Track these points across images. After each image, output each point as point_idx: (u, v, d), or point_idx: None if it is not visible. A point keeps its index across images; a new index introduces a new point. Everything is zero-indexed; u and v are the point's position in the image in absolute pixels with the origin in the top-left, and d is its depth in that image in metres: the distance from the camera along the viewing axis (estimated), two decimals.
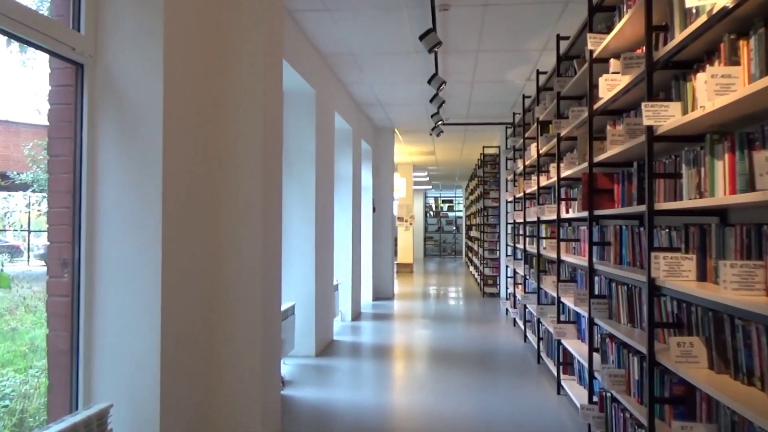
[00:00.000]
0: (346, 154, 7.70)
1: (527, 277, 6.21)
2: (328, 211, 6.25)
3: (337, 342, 6.34)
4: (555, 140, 4.56)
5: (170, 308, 2.70)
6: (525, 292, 6.40)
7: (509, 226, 8.44)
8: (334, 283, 7.25)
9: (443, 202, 25.35)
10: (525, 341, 6.35)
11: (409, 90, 7.20)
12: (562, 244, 4.61)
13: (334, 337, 6.56)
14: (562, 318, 4.56)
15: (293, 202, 5.57)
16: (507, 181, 8.43)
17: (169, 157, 2.70)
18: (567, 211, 4.55)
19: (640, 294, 2.96)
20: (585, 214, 3.62)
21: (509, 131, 8.51)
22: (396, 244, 16.27)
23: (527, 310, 6.34)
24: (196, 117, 3.03)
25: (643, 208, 2.69)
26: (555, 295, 4.60)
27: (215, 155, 3.22)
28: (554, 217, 4.71)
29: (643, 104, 2.40)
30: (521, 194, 6.76)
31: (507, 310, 8.27)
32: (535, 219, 5.62)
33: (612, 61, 3.29)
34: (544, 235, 5.51)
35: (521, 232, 7.25)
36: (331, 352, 5.83)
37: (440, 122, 7.51)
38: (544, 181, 5.33)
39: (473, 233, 14.40)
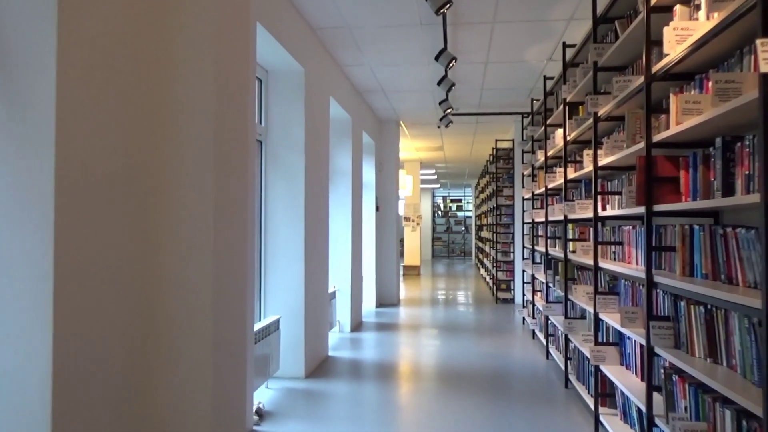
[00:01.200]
0: (345, 146, 6.92)
1: (550, 284, 5.40)
2: (322, 209, 5.47)
3: (333, 359, 5.56)
4: (590, 122, 3.76)
5: (67, 332, 1.93)
6: (547, 301, 5.59)
7: (526, 227, 7.62)
8: (331, 290, 6.47)
9: (452, 201, 24.52)
10: (548, 358, 5.54)
11: (414, 74, 6.41)
12: (599, 248, 3.80)
13: (330, 353, 5.78)
14: (596, 336, 3.75)
15: (278, 198, 4.79)
16: (523, 176, 7.62)
17: (67, 135, 1.92)
18: (604, 208, 3.75)
19: (727, 320, 2.15)
20: (636, 210, 2.82)
21: (526, 121, 7.70)
22: (402, 246, 15.49)
23: (550, 322, 5.53)
24: (115, 86, 2.25)
25: (729, 201, 1.90)
26: (590, 309, 3.79)
27: (147, 136, 2.45)
28: (589, 214, 3.91)
29: (758, 41, 1.60)
30: (542, 190, 5.95)
31: (524, 319, 7.46)
32: (561, 218, 4.82)
33: (678, 8, 2.49)
34: (571, 237, 4.70)
35: (540, 232, 6.44)
36: (324, 372, 5.05)
37: (449, 110, 6.71)
38: (572, 174, 4.52)
39: (484, 234, 13.58)
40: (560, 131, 4.88)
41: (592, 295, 3.78)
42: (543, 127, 5.75)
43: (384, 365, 5.35)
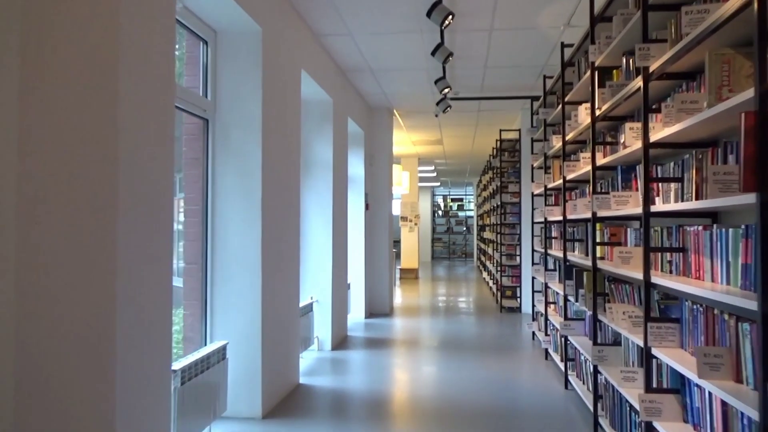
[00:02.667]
0: (325, 133, 5.92)
1: (570, 297, 4.39)
2: (290, 206, 4.47)
3: (304, 389, 4.56)
4: (635, 84, 2.76)
5: None
6: (565, 318, 4.58)
7: (537, 227, 6.61)
8: (306, 302, 5.47)
9: (452, 200, 23.51)
10: (566, 388, 4.53)
11: (405, 47, 5.41)
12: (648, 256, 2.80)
13: (301, 380, 4.77)
14: (647, 379, 2.74)
15: (229, 193, 3.79)
16: (533, 169, 6.61)
17: None
18: (653, 202, 2.75)
19: None
20: (718, 202, 1.82)
21: (536, 105, 6.69)
22: (399, 247, 14.49)
23: (569, 343, 4.53)
24: None
25: None
26: (635, 339, 2.78)
27: None
28: (632, 210, 2.91)
29: None
30: (557, 182, 4.94)
31: (534, 334, 6.45)
32: (587, 215, 3.82)
33: None
34: (600, 240, 3.69)
35: (555, 234, 5.43)
36: (289, 409, 4.05)
37: (446, 90, 5.71)
38: (603, 159, 3.52)
39: (486, 234, 12.57)
40: (584, 107, 3.87)
41: (639, 321, 2.78)
42: (560, 106, 4.74)
43: (367, 398, 4.34)
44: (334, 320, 6.01)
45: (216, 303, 3.78)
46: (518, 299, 8.58)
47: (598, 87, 3.46)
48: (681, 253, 2.54)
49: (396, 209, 21.81)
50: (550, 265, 5.60)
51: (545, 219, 5.57)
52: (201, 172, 3.80)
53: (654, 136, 2.55)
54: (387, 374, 5.04)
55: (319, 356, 5.63)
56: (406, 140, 11.18)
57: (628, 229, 3.39)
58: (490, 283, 11.26)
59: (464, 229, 22.97)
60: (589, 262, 3.77)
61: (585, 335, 4.37)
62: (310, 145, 5.89)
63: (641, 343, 2.68)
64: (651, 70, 2.55)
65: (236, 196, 3.78)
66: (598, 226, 3.81)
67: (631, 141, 2.85)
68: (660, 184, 2.73)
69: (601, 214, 3.46)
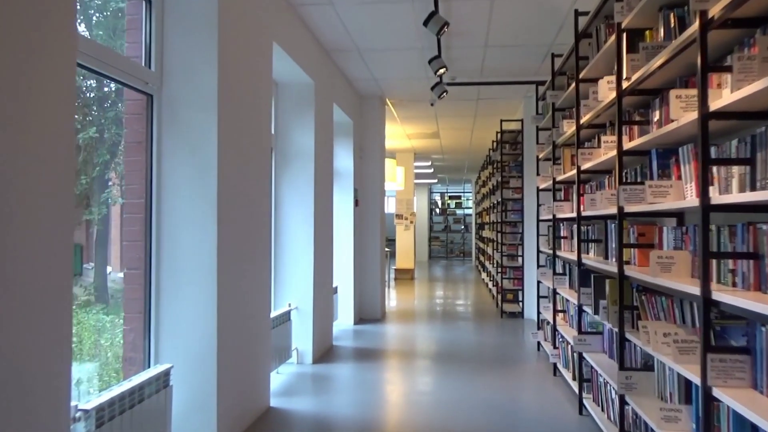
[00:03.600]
0: (304, 119, 5.26)
1: (586, 308, 3.75)
2: (256, 199, 3.82)
3: (274, 414, 3.91)
4: (689, 36, 2.11)
5: None
6: (579, 331, 3.93)
7: (543, 225, 5.97)
8: (283, 310, 4.83)
9: (450, 198, 22.87)
10: (581, 413, 3.89)
11: (395, 20, 4.76)
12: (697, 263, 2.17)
13: (273, 402, 4.13)
14: (707, 427, 2.10)
15: (177, 180, 3.14)
16: (538, 161, 5.97)
17: None
18: (704, 193, 2.11)
19: None
20: None
21: (542, 91, 6.04)
22: (394, 246, 13.86)
23: (584, 360, 3.89)
24: None
25: None
26: (684, 372, 2.14)
27: None
28: (677, 203, 2.27)
29: None
30: (569, 174, 4.30)
31: (539, 344, 5.81)
32: (610, 211, 3.17)
33: None
34: (630, 241, 3.05)
35: (565, 233, 4.80)
36: None
37: (442, 71, 5.05)
38: (632, 142, 2.88)
39: (486, 233, 11.93)
40: (606, 81, 3.22)
41: (689, 347, 2.14)
42: (573, 86, 4.09)
43: (349, 425, 3.69)
44: (317, 329, 5.36)
45: (163, 316, 3.13)
46: (520, 303, 7.93)
47: (627, 53, 2.81)
48: (751, 260, 1.90)
49: (391, 207, 21.18)
50: (559, 269, 4.96)
51: (553, 216, 4.92)
52: (144, 159, 3.14)
53: (716, 104, 1.91)
54: (374, 394, 4.39)
55: (298, 371, 4.98)
56: (400, 133, 10.53)
57: (664, 228, 2.75)
58: (490, 284, 10.63)
59: (462, 227, 22.34)
60: (611, 268, 3.13)
61: (603, 352, 3.73)
62: (287, 132, 5.24)
63: (695, 379, 2.04)
64: (712, 15, 1.91)
65: (187, 188, 3.13)
66: (623, 224, 3.17)
67: (678, 113, 2.20)
68: (717, 170, 2.08)
69: (630, 209, 2.82)
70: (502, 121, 8.04)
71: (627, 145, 2.90)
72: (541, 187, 5.70)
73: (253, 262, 3.70)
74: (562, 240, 4.95)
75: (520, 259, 8.01)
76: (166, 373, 2.85)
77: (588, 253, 4.04)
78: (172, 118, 3.14)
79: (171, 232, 3.12)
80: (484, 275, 12.69)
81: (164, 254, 3.12)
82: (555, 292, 4.89)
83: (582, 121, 3.82)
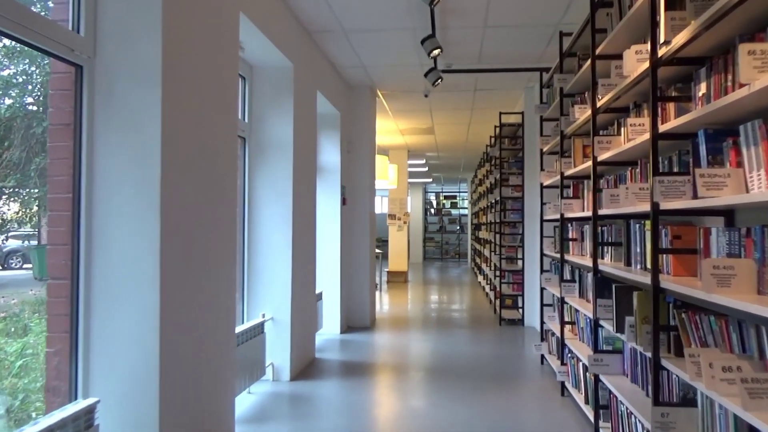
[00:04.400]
0: (282, 106, 4.69)
1: (603, 323, 3.19)
2: (217, 193, 3.25)
3: None
4: None
5: None
6: (596, 349, 3.38)
7: (547, 226, 5.42)
8: (255, 322, 4.26)
9: (445, 198, 22.33)
10: None
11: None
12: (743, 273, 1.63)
13: (240, 429, 3.56)
14: None
15: (114, 170, 2.57)
16: (542, 155, 5.42)
17: None
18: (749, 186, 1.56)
19: None
20: None
21: (546, 79, 5.49)
22: (386, 248, 13.32)
23: (601, 383, 3.33)
24: None
25: None
26: (757, 423, 1.59)
27: None
28: (738, 197, 1.72)
29: None
30: (583, 167, 3.75)
31: (543, 358, 5.26)
32: (638, 209, 2.62)
33: None
34: (663, 245, 2.49)
35: (573, 234, 4.26)
36: None
37: (437, 53, 4.50)
38: (668, 124, 2.32)
39: (482, 234, 11.39)
40: (634, 51, 2.66)
41: (762, 390, 1.59)
42: (588, 63, 3.54)
43: None
44: (295, 341, 4.79)
45: (94, 336, 2.56)
46: (520, 310, 7.39)
47: (666, 10, 2.25)
48: None
49: (383, 207, 20.62)
50: (567, 275, 4.41)
51: (561, 216, 4.37)
52: (72, 144, 2.57)
53: None
54: (359, 419, 3.83)
55: (273, 390, 4.41)
56: (392, 128, 9.98)
57: (712, 230, 2.20)
58: (487, 288, 10.08)
59: (458, 228, 21.81)
60: (638, 277, 2.58)
61: (624, 374, 3.18)
62: (263, 121, 4.67)
63: None
64: None
65: (124, 180, 2.56)
66: (647, 224, 2.63)
67: (750, 75, 1.64)
68: None
69: (667, 205, 2.27)
70: (501, 113, 7.49)
71: (663, 127, 2.35)
72: (546, 183, 5.15)
73: (214, 270, 3.13)
74: (571, 242, 4.40)
75: (520, 262, 7.47)
76: (90, 410, 2.28)
77: (602, 258, 3.49)
78: (106, 94, 2.57)
79: (104, 233, 2.55)
80: (480, 278, 12.15)
81: (96, 261, 2.55)
82: (563, 302, 4.34)
83: (599, 104, 3.27)
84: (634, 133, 2.64)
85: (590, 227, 3.88)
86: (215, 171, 3.15)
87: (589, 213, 3.66)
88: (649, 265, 2.68)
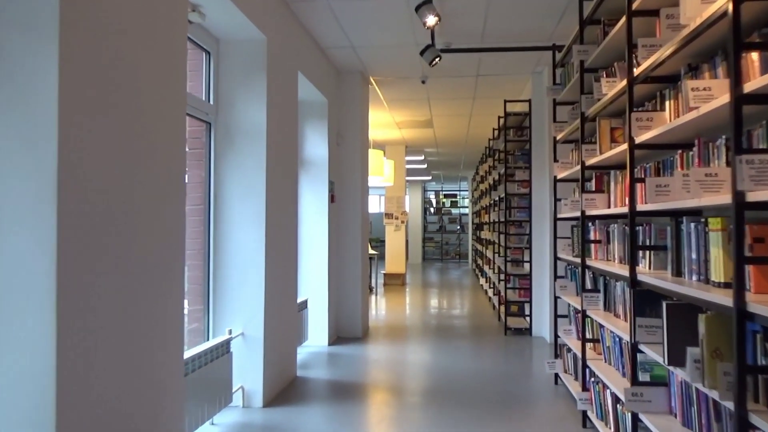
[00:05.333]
0: (254, 87, 4.01)
1: (644, 348, 2.52)
2: (161, 183, 2.57)
3: None
4: None
5: None
6: (634, 380, 2.69)
7: (562, 225, 4.75)
8: (218, 341, 3.58)
9: (445, 196, 21.66)
10: None
11: None
12: None
13: None
14: None
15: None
16: (556, 144, 4.74)
17: None
18: None
19: None
20: None
21: (559, 57, 4.81)
22: (383, 248, 12.66)
23: (640, 423, 2.65)
24: None
25: None
26: None
27: None
28: None
29: None
30: (614, 152, 3.07)
31: (557, 377, 4.58)
32: (704, 203, 1.95)
33: None
34: (747, 253, 1.81)
35: (596, 235, 3.59)
36: None
37: (434, 22, 3.83)
38: (751, 83, 1.65)
39: (484, 234, 10.71)
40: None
41: None
42: (619, 23, 2.86)
43: None
44: (270, 360, 4.12)
45: None
46: (527, 318, 6.71)
47: None
48: None
49: (380, 205, 19.94)
50: (590, 284, 3.73)
51: (582, 213, 3.69)
52: None
53: None
54: None
55: (241, 419, 3.74)
56: (388, 121, 9.30)
57: None
58: (490, 292, 9.40)
59: (458, 227, 21.14)
60: (699, 294, 1.91)
61: (671, 413, 2.50)
62: (231, 103, 3.99)
63: None
64: None
65: (8, 158, 1.89)
66: (714, 223, 1.96)
67: None
68: None
69: (758, 196, 1.60)
70: (506, 101, 6.80)
71: (748, 86, 1.67)
72: (560, 176, 4.48)
73: (151, 282, 2.45)
74: (592, 245, 3.73)
75: (526, 265, 6.80)
76: None
77: (646, 266, 2.82)
78: None
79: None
80: (482, 281, 11.47)
81: None
82: (584, 315, 3.66)
83: (638, 72, 2.59)
84: (698, 101, 1.96)
85: (618, 227, 3.21)
86: (152, 153, 2.47)
87: (619, 209, 2.99)
88: (713, 277, 2.01)
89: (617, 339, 3.21)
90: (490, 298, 9.37)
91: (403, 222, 12.32)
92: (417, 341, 6.28)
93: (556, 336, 4.59)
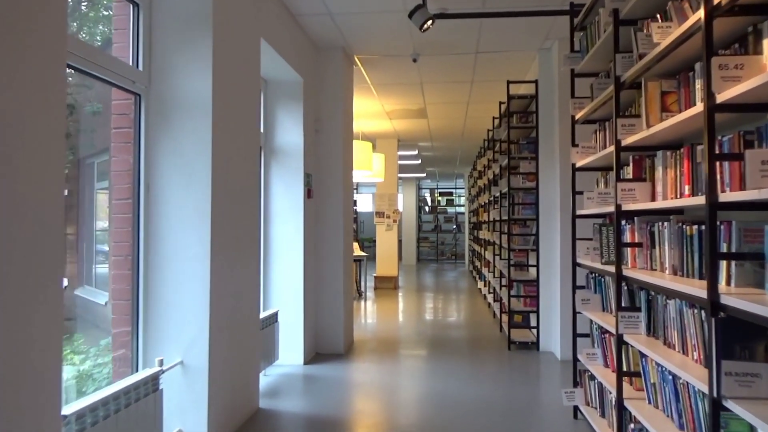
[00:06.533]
0: (194, 48, 3.16)
1: (734, 405, 1.69)
2: (35, 176, 1.72)
3: None
4: None
5: None
6: None
7: (583, 225, 3.91)
8: (145, 374, 2.71)
9: (441, 194, 20.83)
10: None
11: None
12: None
13: None
14: None
15: None
16: (576, 123, 3.90)
17: None
18: None
19: None
20: None
21: (576, 22, 3.97)
22: (373, 250, 11.81)
23: None
24: None
25: None
26: None
27: None
28: None
29: None
30: (669, 124, 2.23)
31: (577, 410, 3.74)
32: None
33: None
34: None
35: (634, 236, 2.76)
36: None
37: None
38: None
39: (483, 234, 9.88)
40: None
41: None
42: None
43: None
44: (218, 393, 3.27)
45: None
46: (534, 330, 5.88)
47: None
48: None
49: (367, 204, 19.05)
50: (624, 299, 2.90)
51: (617, 208, 2.86)
52: None
53: None
54: None
55: None
56: (378, 110, 8.46)
57: None
58: (489, 298, 8.58)
59: (454, 227, 20.32)
60: None
61: None
62: (166, 70, 3.14)
63: None
64: None
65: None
66: None
67: None
68: None
69: None
70: (509, 83, 5.96)
71: None
72: (581, 164, 3.65)
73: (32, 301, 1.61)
74: (628, 249, 2.90)
75: (532, 269, 5.98)
76: None
77: (696, 277, 1.99)
78: None
79: None
80: (480, 284, 10.65)
81: None
82: (620, 341, 2.83)
83: None
84: None
85: (671, 225, 2.38)
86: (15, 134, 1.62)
87: (672, 202, 2.16)
88: None
89: (669, 376, 2.39)
90: (489, 304, 8.54)
91: (395, 221, 11.48)
92: (409, 358, 5.44)
93: (576, 359, 3.76)
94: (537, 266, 5.72)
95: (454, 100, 7.89)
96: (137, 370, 3.05)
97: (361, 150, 7.55)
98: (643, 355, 2.69)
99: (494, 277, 7.72)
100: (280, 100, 5.07)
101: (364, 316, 7.99)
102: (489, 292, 8.72)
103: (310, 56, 5.39)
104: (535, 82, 5.74)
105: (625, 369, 2.83)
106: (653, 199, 2.63)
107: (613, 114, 2.85)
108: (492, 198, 8.08)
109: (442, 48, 5.53)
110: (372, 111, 8.51)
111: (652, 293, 2.63)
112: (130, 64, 3.05)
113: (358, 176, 8.12)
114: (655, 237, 2.62)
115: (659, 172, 2.54)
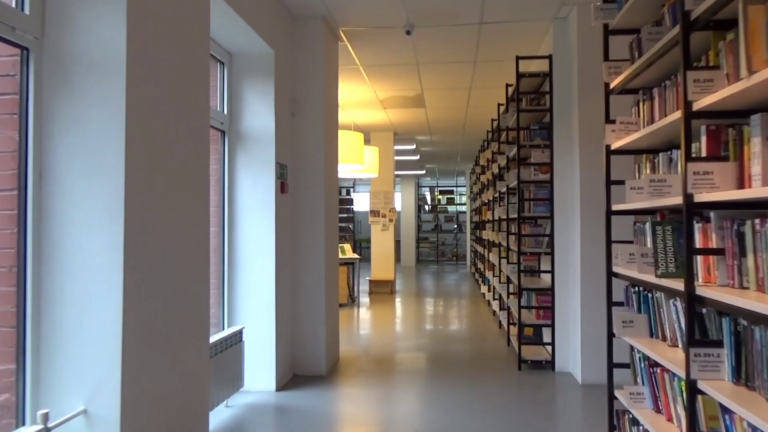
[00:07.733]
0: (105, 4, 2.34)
1: None
2: None
3: None
4: None
5: None
6: None
7: (620, 223, 3.09)
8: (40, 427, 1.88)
9: (441, 193, 20.01)
10: None
11: None
12: None
13: None
14: None
15: None
16: (608, 93, 3.06)
17: None
18: None
19: None
20: None
21: None
22: (368, 251, 10.98)
23: None
24: None
25: None
26: None
27: None
28: None
29: None
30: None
31: None
32: None
33: None
34: None
35: (715, 242, 1.90)
36: None
37: None
38: None
39: (487, 234, 9.05)
40: None
41: None
42: None
43: None
44: None
45: None
46: (549, 348, 5.06)
47: None
48: None
49: (364, 203, 18.19)
50: (697, 329, 2.08)
51: (687, 199, 2.05)
52: None
53: None
54: None
55: None
56: (371, 98, 7.64)
57: None
58: (494, 305, 7.76)
59: (455, 226, 19.50)
60: None
61: None
62: (64, 17, 2.32)
63: None
64: None
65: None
66: None
67: None
68: None
69: None
70: (518, 58, 5.13)
71: None
72: (617, 146, 2.83)
73: None
74: (699, 258, 2.08)
75: (546, 276, 5.16)
76: None
77: None
78: None
79: None
80: (484, 288, 9.82)
81: None
82: (694, 390, 2.00)
83: None
84: None
85: None
86: None
87: None
88: None
89: None
90: (494, 312, 7.72)
91: (391, 221, 10.66)
92: (403, 381, 4.62)
93: (612, 396, 2.94)
94: (552, 272, 4.90)
95: (454, 86, 7.07)
96: (24, 424, 2.24)
97: (350, 140, 6.74)
98: (726, 410, 1.88)
99: (500, 282, 6.89)
100: (246, 76, 4.26)
101: (355, 325, 7.18)
102: (494, 299, 7.90)
103: (285, 25, 4.57)
104: (549, 57, 4.92)
105: (706, 427, 2.01)
106: (741, 186, 1.82)
107: (681, 66, 2.02)
108: (497, 194, 7.25)
109: (440, 17, 4.72)
110: (364, 99, 7.70)
111: (743, 322, 1.81)
112: (13, 5, 2.24)
113: (346, 170, 7.31)
114: (746, 241, 1.81)
115: (755, 146, 1.72)
